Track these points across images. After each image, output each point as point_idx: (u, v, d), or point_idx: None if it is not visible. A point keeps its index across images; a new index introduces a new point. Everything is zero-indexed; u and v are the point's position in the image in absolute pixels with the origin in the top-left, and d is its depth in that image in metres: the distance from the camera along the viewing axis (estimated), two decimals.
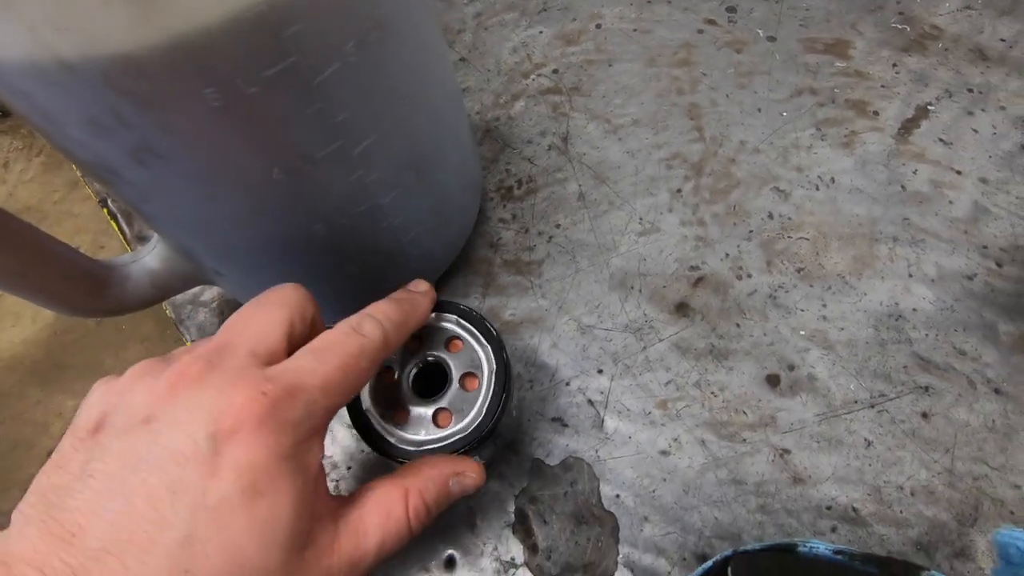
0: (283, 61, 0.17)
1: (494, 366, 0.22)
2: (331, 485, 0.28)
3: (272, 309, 0.18)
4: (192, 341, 0.33)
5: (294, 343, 0.18)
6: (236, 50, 0.16)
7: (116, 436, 0.15)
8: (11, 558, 0.13)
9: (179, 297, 0.34)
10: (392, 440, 0.21)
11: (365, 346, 0.18)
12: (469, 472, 0.20)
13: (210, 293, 0.34)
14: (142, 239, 0.37)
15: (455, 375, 0.22)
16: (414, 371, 0.23)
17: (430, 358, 0.23)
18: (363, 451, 0.29)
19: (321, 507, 0.17)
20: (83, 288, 0.25)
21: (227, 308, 0.34)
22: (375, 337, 0.18)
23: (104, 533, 0.13)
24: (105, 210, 0.39)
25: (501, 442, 0.28)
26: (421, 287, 0.23)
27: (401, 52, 0.21)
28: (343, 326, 0.18)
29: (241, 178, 0.19)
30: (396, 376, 0.23)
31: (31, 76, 0.15)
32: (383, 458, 0.21)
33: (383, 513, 0.18)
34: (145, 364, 0.17)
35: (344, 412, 0.21)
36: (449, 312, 0.23)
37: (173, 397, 0.15)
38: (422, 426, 0.22)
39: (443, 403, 0.22)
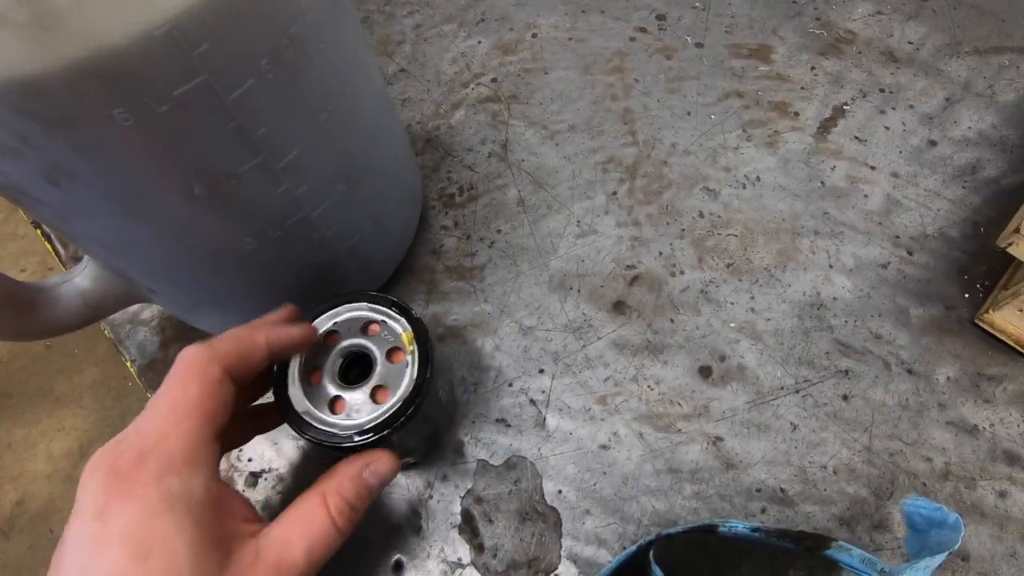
0: (193, 80, 0.17)
1: (412, 334, 0.23)
2: (278, 498, 0.28)
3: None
4: (132, 361, 0.33)
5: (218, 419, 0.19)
6: (143, 70, 0.16)
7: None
8: None
9: (118, 317, 0.34)
10: (336, 431, 0.22)
11: (187, 370, 0.18)
12: (380, 460, 0.21)
13: (150, 312, 0.34)
14: (77, 259, 0.36)
15: (379, 355, 0.23)
16: (340, 363, 0.23)
17: (353, 348, 0.23)
18: (309, 461, 0.29)
19: (236, 530, 0.18)
20: (9, 312, 0.24)
21: (168, 326, 0.33)
22: (201, 358, 0.19)
23: None
24: (39, 231, 0.38)
25: (450, 448, 0.29)
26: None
27: (320, 66, 0.21)
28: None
29: (161, 195, 0.20)
30: (322, 373, 0.23)
31: None
32: (337, 454, 0.22)
33: (304, 522, 0.19)
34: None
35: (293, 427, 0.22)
36: (359, 301, 0.24)
37: (82, 489, 0.17)
38: (362, 409, 0.22)
39: (376, 381, 0.23)
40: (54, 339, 0.27)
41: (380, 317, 0.24)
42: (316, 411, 0.22)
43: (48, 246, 0.37)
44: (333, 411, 0.22)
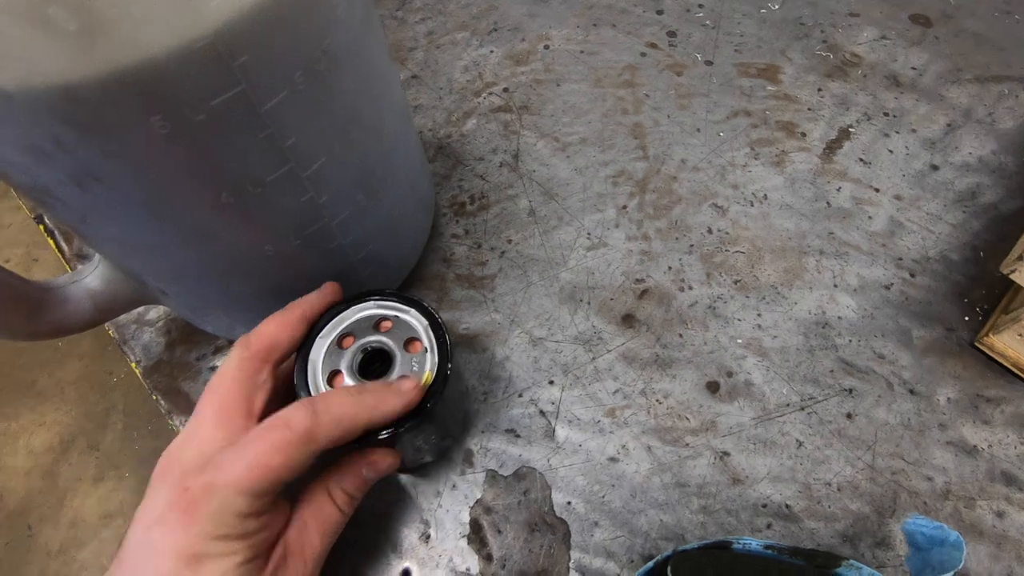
0: (231, 90, 0.17)
1: (426, 323, 0.24)
2: None
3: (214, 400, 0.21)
4: (137, 362, 0.32)
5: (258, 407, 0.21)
6: (183, 80, 0.16)
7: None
8: None
9: (123, 317, 0.33)
10: None
11: (280, 442, 0.19)
12: (380, 459, 0.23)
13: (156, 312, 0.34)
14: (82, 257, 0.36)
15: (398, 348, 0.23)
16: (363, 353, 0.24)
17: (383, 345, 0.24)
18: None
19: (274, 536, 0.20)
20: (17, 312, 0.24)
21: (174, 328, 0.33)
22: (298, 431, 0.19)
23: None
24: (42, 227, 0.37)
25: (459, 457, 0.29)
26: (405, 385, 0.22)
27: (349, 78, 0.21)
28: (274, 419, 0.19)
29: (188, 201, 0.19)
30: (343, 375, 0.23)
31: None
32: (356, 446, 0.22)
33: (314, 509, 0.22)
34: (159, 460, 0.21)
35: None
36: (425, 317, 0.24)
37: (149, 493, 0.19)
38: None
39: (397, 373, 0.23)
40: (44, 340, 0.27)
41: (390, 313, 0.24)
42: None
43: (51, 242, 0.36)
44: None
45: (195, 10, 0.15)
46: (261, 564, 0.19)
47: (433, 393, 0.23)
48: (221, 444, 0.20)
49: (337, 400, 0.20)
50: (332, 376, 0.23)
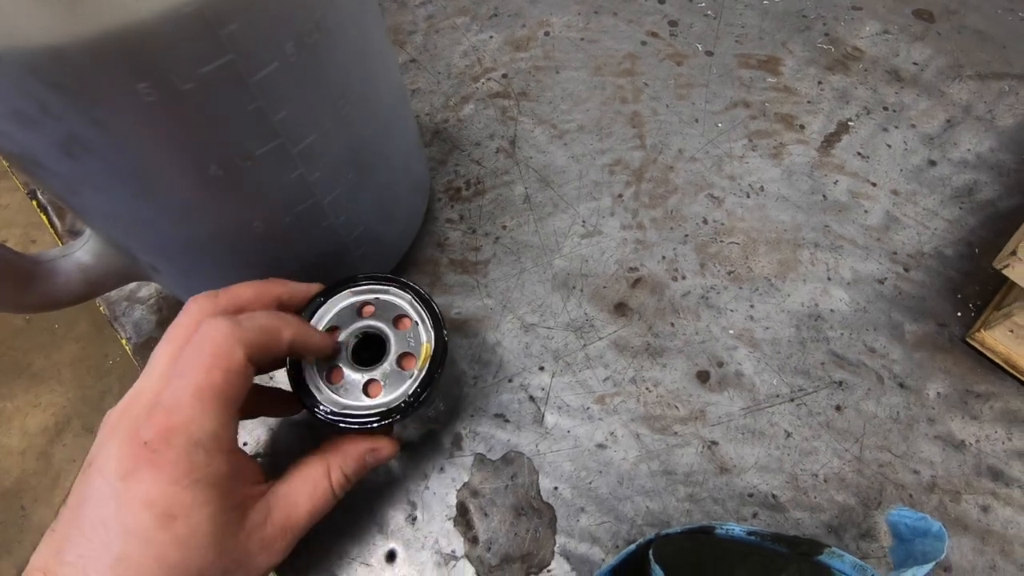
0: (220, 59, 0.17)
1: (431, 354, 0.23)
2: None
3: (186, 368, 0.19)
4: (128, 339, 0.32)
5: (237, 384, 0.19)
6: (170, 46, 0.16)
7: (79, 475, 0.19)
8: (30, 565, 0.18)
9: (114, 294, 0.33)
10: (319, 397, 0.22)
11: (212, 352, 0.18)
12: (383, 447, 0.23)
13: (147, 290, 0.33)
14: (74, 233, 0.35)
15: (394, 351, 0.23)
16: (355, 339, 0.24)
17: (373, 329, 0.24)
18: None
19: (249, 493, 0.20)
20: (6, 284, 0.24)
21: (165, 305, 0.33)
22: (222, 335, 0.19)
23: (75, 549, 0.17)
24: (35, 202, 0.37)
25: (448, 440, 0.29)
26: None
27: (342, 53, 0.21)
28: (194, 338, 0.19)
29: (176, 173, 0.19)
30: (340, 336, 0.23)
31: None
32: (357, 433, 0.22)
33: (310, 487, 0.21)
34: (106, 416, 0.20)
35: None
36: (407, 291, 0.24)
37: (104, 446, 0.19)
38: (352, 392, 0.23)
39: (376, 375, 0.23)
40: (34, 313, 0.27)
41: (415, 317, 0.24)
42: (314, 367, 0.22)
43: (44, 217, 0.36)
44: (330, 378, 0.23)
45: None
46: (238, 518, 0.19)
47: (438, 362, 0.23)
48: None
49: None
50: (330, 372, 0.23)
